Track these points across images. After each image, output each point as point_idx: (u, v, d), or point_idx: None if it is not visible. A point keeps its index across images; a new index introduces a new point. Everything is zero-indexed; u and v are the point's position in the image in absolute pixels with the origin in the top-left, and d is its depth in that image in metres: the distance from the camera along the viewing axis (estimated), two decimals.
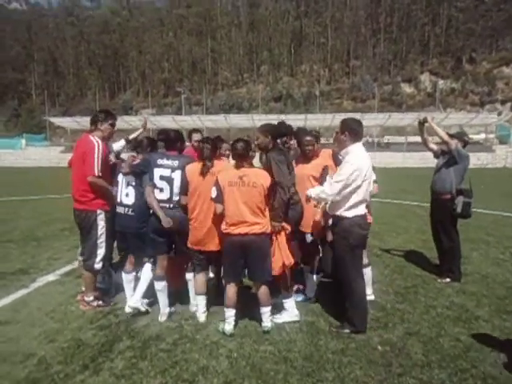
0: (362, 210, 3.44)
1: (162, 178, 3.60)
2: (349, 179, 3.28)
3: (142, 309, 3.73)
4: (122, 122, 52.44)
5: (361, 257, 3.66)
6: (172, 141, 3.79)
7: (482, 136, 48.54)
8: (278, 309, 3.76)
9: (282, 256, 3.46)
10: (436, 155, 5.04)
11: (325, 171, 3.81)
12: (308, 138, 3.91)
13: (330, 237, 3.66)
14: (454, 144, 4.66)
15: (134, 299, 3.72)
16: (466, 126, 44.84)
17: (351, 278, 3.43)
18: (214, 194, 3.38)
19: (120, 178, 3.90)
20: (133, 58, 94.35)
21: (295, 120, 47.38)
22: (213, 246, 3.59)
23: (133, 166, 3.81)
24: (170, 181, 3.61)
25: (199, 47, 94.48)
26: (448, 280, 4.69)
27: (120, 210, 3.87)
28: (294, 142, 4.15)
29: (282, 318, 3.63)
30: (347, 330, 3.38)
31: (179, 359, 2.97)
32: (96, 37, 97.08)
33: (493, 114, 50.64)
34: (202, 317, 3.67)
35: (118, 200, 3.88)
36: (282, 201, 3.39)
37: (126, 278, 3.99)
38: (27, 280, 4.80)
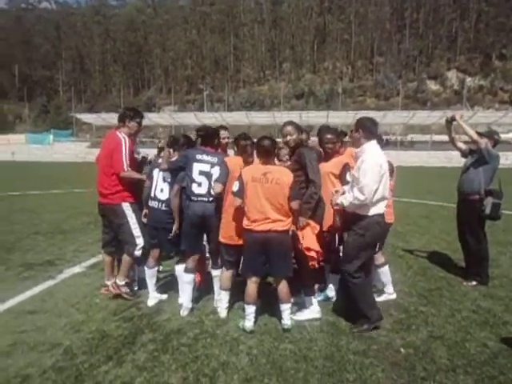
0: (381, 208, 3.41)
1: (201, 172, 3.67)
2: (377, 177, 3.26)
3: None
4: (145, 118, 53.43)
5: (372, 258, 3.67)
6: (210, 137, 3.88)
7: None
8: (299, 306, 3.76)
9: (306, 249, 3.44)
10: (464, 154, 4.88)
11: (345, 168, 3.77)
12: (329, 136, 3.88)
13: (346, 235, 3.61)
14: (484, 143, 4.50)
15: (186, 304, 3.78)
16: (495, 125, 43.32)
17: (353, 272, 3.40)
18: (235, 187, 3.37)
19: (155, 173, 3.95)
20: (156, 55, 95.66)
21: (317, 117, 47.11)
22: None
23: (171, 162, 3.84)
24: (208, 176, 3.68)
25: (222, 44, 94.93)
26: (474, 283, 4.55)
27: (153, 204, 3.93)
28: (314, 139, 4.15)
29: (303, 315, 3.61)
30: (366, 326, 3.38)
31: (200, 354, 3.00)
32: (121, 34, 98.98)
33: None
34: (223, 312, 3.69)
35: (152, 195, 3.94)
36: (313, 198, 3.41)
37: (149, 273, 4.04)
38: (54, 271, 4.95)
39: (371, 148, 3.40)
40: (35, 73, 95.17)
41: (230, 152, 4.34)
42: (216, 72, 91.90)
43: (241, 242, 3.57)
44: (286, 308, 3.45)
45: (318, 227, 3.52)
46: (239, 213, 3.52)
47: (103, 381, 2.66)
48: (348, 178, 3.67)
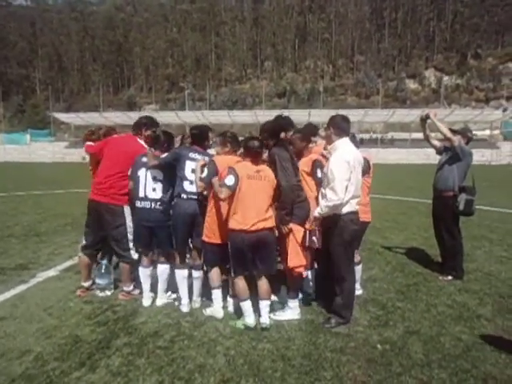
0: (353, 206, 3.44)
1: (193, 171, 3.63)
2: (346, 174, 3.29)
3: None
4: (126, 117, 52.59)
5: (353, 253, 3.69)
6: (203, 137, 3.88)
7: (487, 132, 48.22)
8: (280, 306, 3.75)
9: (292, 256, 3.46)
10: (438, 152, 4.97)
11: (314, 165, 3.73)
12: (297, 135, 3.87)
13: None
14: (457, 140, 4.59)
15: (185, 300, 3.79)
16: (471, 123, 44.52)
17: (343, 273, 3.48)
18: (230, 181, 3.29)
19: (142, 173, 3.82)
20: (137, 53, 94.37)
21: (298, 116, 47.31)
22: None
23: (161, 158, 3.74)
24: None
25: (203, 43, 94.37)
26: (450, 278, 4.63)
27: (145, 204, 3.80)
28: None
29: (285, 315, 3.59)
30: (333, 321, 3.44)
31: (176, 356, 2.95)
32: (100, 32, 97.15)
33: (498, 110, 50.16)
34: (220, 312, 3.63)
35: (142, 195, 3.81)
36: (284, 203, 3.39)
37: (144, 273, 3.96)
38: (27, 275, 4.79)
39: (342, 145, 3.44)
40: (11, 71, 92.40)
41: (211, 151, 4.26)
42: (197, 71, 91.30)
43: (222, 241, 3.53)
44: (265, 305, 3.45)
45: (301, 229, 3.47)
46: (225, 212, 3.49)
47: None
48: (319, 174, 3.66)
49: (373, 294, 4.19)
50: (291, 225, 3.45)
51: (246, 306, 3.41)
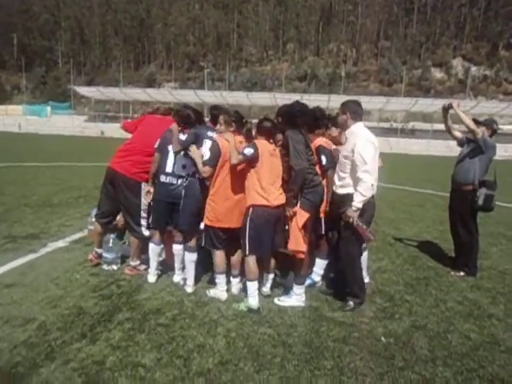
0: (374, 189, 3.38)
1: (209, 149, 3.55)
2: (373, 155, 3.31)
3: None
4: (144, 94, 52.64)
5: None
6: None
7: None
8: (285, 291, 3.70)
9: (292, 239, 3.41)
10: (460, 143, 4.75)
11: (319, 151, 3.66)
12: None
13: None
14: (481, 133, 4.37)
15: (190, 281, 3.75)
16: (497, 116, 42.94)
17: (356, 255, 3.54)
18: (248, 152, 3.27)
19: (171, 148, 3.76)
20: (158, 29, 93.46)
21: (318, 101, 46.47)
22: (238, 222, 3.46)
23: (182, 142, 3.69)
24: None
25: (225, 21, 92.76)
26: (462, 274, 4.50)
27: (171, 179, 3.73)
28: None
29: (290, 301, 3.54)
30: (351, 303, 3.48)
31: (176, 335, 2.94)
32: (123, 6, 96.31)
33: None
34: (223, 295, 3.60)
35: (170, 170, 3.74)
36: (294, 185, 3.33)
37: (155, 250, 3.94)
38: (37, 245, 4.86)
39: (359, 129, 3.44)
40: (34, 42, 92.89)
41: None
42: (218, 50, 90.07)
43: (228, 224, 3.47)
44: (269, 278, 3.63)
45: (306, 215, 3.39)
46: (228, 193, 3.43)
47: (74, 359, 2.59)
48: (324, 161, 3.62)
49: (381, 285, 4.11)
50: (297, 208, 3.38)
51: (253, 287, 3.39)
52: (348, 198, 3.36)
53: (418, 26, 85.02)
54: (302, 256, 3.47)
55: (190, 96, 51.32)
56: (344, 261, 3.57)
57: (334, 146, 3.88)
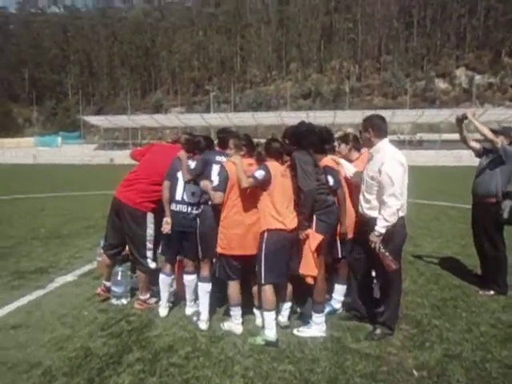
0: (404, 210, 3.22)
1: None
2: (402, 177, 3.13)
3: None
4: (152, 120, 53.48)
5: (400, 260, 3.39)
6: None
7: None
8: (304, 320, 3.48)
9: (304, 263, 3.22)
10: (478, 154, 4.54)
11: (325, 171, 3.44)
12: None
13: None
14: (500, 142, 4.17)
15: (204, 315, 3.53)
16: (506, 123, 42.53)
17: (394, 282, 3.30)
18: (260, 175, 3.14)
19: (180, 175, 3.65)
20: (163, 57, 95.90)
21: (324, 117, 46.70)
22: (253, 248, 3.28)
23: (191, 170, 3.57)
24: None
25: (228, 45, 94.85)
26: (492, 293, 4.21)
27: (181, 208, 3.61)
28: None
29: (309, 331, 3.31)
30: (379, 331, 3.26)
31: (190, 376, 2.72)
32: (128, 37, 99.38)
33: None
34: (239, 329, 3.39)
35: (179, 198, 3.62)
36: (304, 207, 3.18)
37: (165, 281, 3.77)
38: (45, 280, 4.72)
39: (386, 146, 3.22)
40: (44, 76, 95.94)
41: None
42: (222, 73, 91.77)
43: (242, 251, 3.28)
44: (286, 307, 3.42)
45: (320, 237, 3.21)
46: (239, 219, 3.27)
47: None
48: (331, 182, 3.39)
49: (406, 310, 3.83)
50: (310, 231, 3.21)
51: (271, 317, 3.18)
52: (375, 221, 3.15)
53: (419, 39, 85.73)
54: (312, 281, 3.26)
55: (196, 120, 52.03)
56: (381, 286, 3.40)
57: (341, 162, 3.71)
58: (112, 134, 63.88)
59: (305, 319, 3.50)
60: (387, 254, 3.08)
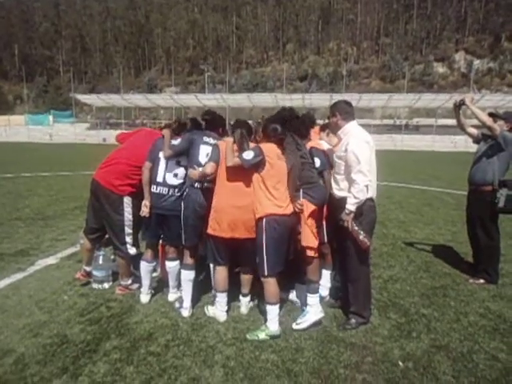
0: (371, 191, 3.11)
1: (208, 155, 3.28)
2: (368, 155, 3.06)
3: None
4: (145, 100, 52.52)
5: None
6: (215, 123, 3.60)
7: None
8: (299, 306, 3.40)
9: (306, 235, 3.14)
10: (476, 140, 4.39)
11: (311, 153, 3.40)
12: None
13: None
14: (499, 129, 4.02)
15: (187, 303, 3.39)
16: (502, 109, 42.29)
17: (361, 268, 3.22)
18: (248, 155, 2.99)
19: (162, 155, 3.46)
20: (158, 34, 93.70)
21: (320, 100, 46.16)
22: (244, 232, 3.11)
23: (174, 146, 3.40)
24: None
25: (224, 24, 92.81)
26: (482, 281, 4.14)
27: (162, 190, 3.43)
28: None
29: (307, 320, 3.15)
30: (353, 321, 3.18)
31: (169, 366, 2.62)
32: (122, 13, 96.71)
33: None
34: (222, 316, 3.27)
35: (160, 179, 3.44)
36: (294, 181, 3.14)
37: (147, 268, 3.62)
38: (26, 263, 4.57)
39: (353, 128, 3.19)
40: (35, 52, 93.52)
41: None
42: (218, 53, 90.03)
43: (231, 234, 3.11)
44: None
45: (312, 207, 3.13)
46: (230, 200, 3.09)
47: None
48: (317, 163, 3.31)
49: (394, 298, 3.77)
50: (304, 201, 3.11)
51: (275, 311, 3.03)
52: (345, 201, 3.07)
53: (419, 22, 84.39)
54: (313, 254, 3.15)
55: (191, 100, 51.10)
56: (348, 273, 3.27)
57: (327, 146, 3.58)
58: (105, 113, 62.68)
59: (300, 307, 3.41)
60: (360, 231, 3.01)
